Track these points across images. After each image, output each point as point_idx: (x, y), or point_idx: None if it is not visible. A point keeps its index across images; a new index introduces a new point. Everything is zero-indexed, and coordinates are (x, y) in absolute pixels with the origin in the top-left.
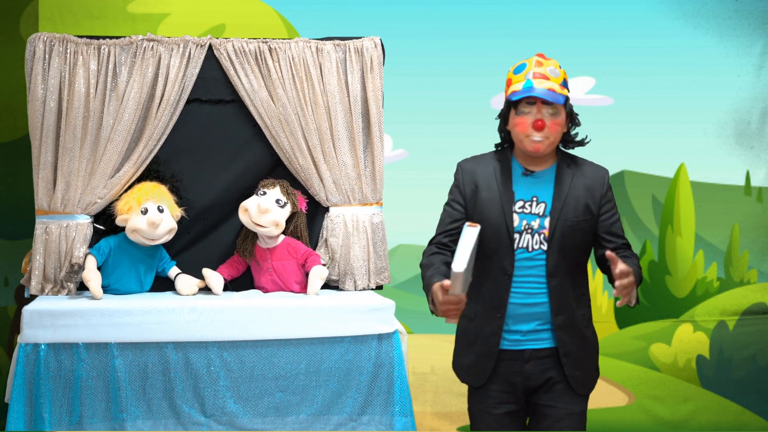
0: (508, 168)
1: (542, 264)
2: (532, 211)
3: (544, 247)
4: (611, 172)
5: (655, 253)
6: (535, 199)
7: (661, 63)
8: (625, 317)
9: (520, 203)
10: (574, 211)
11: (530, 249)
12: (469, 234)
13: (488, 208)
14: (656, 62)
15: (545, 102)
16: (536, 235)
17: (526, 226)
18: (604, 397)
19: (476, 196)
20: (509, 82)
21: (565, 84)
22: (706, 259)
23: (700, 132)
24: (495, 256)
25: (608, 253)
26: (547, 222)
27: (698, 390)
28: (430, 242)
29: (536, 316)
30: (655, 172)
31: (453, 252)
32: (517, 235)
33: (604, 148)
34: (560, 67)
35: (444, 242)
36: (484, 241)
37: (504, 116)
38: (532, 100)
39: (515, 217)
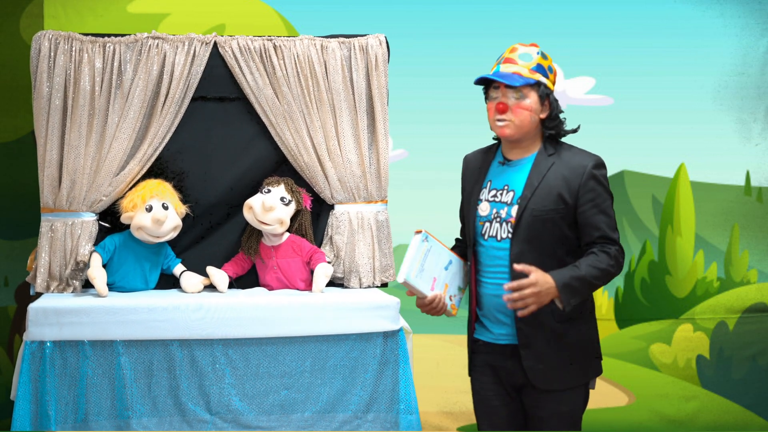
0: (490, 159)
1: (508, 253)
2: (502, 200)
3: (511, 235)
4: (611, 173)
5: (655, 253)
6: (506, 187)
7: (661, 63)
8: (625, 317)
9: (493, 192)
10: (543, 200)
11: (499, 238)
12: (413, 242)
13: (467, 198)
14: (656, 62)
15: (509, 86)
16: (504, 224)
17: (495, 215)
18: (604, 397)
19: (465, 189)
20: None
21: (539, 69)
22: (706, 259)
23: (700, 132)
24: (468, 246)
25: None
26: (513, 210)
27: (698, 390)
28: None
29: (503, 305)
30: (655, 172)
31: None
32: (487, 224)
33: (604, 148)
34: (539, 53)
35: (460, 236)
36: (466, 231)
37: None
38: (496, 85)
39: (486, 205)
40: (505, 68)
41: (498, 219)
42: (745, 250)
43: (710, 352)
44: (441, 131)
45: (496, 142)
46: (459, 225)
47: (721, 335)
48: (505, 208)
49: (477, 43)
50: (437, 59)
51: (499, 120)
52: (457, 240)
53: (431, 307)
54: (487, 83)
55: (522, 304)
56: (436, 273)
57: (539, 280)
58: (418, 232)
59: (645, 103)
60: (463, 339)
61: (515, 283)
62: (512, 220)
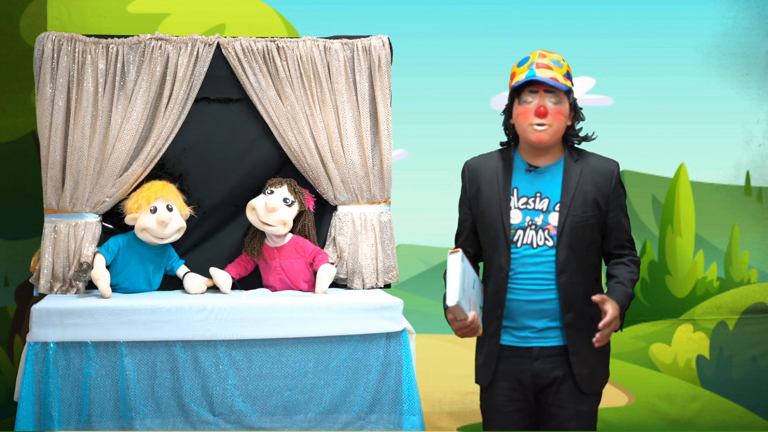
0: (510, 164)
1: (550, 260)
2: (536, 207)
3: (550, 243)
4: None
5: (655, 253)
6: (538, 194)
7: (661, 63)
8: (625, 317)
9: (524, 199)
10: (582, 206)
11: (535, 245)
12: (453, 262)
13: (488, 205)
14: (656, 62)
15: (548, 90)
16: (540, 231)
17: (530, 222)
18: (604, 397)
19: (479, 195)
20: (513, 75)
21: (568, 76)
22: (706, 259)
23: (700, 132)
24: (495, 254)
25: (594, 297)
26: (551, 218)
27: (699, 390)
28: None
29: (545, 313)
30: (655, 172)
31: (470, 256)
32: (520, 232)
33: (604, 148)
34: (564, 60)
35: (461, 246)
36: (486, 239)
37: (508, 110)
38: (534, 89)
39: (518, 213)
40: (542, 73)
41: (533, 226)
42: (745, 250)
43: (710, 352)
44: (441, 131)
45: (504, 147)
46: (456, 227)
47: (721, 335)
48: (541, 216)
49: (477, 43)
50: (438, 59)
51: (538, 124)
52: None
53: (470, 329)
54: (522, 87)
55: (605, 337)
56: (470, 293)
57: (615, 310)
58: (454, 252)
59: (645, 103)
60: (465, 339)
61: (604, 323)
62: (550, 227)
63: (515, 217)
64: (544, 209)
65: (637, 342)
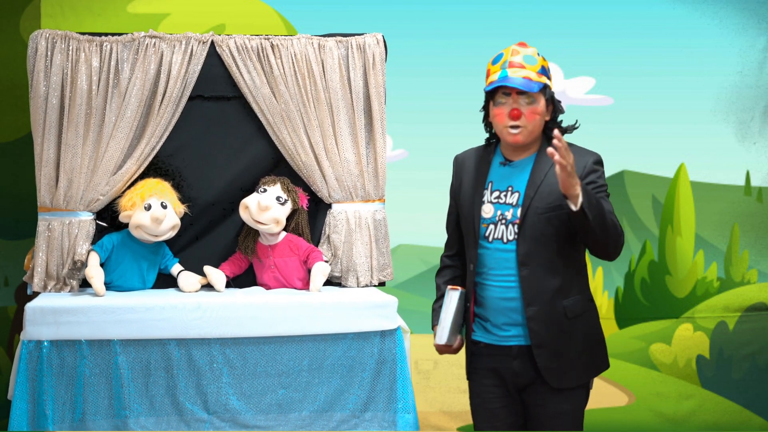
0: (489, 158)
1: (515, 254)
2: (506, 201)
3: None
4: (611, 172)
5: (655, 253)
6: (510, 188)
7: (661, 63)
8: (625, 317)
9: (497, 193)
10: (547, 198)
11: (505, 240)
12: (451, 298)
13: (465, 199)
14: (656, 62)
15: (520, 91)
16: (510, 226)
17: (500, 217)
18: (604, 397)
19: (461, 188)
20: (488, 73)
21: (543, 71)
22: (706, 259)
23: (700, 132)
24: (468, 246)
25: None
26: (519, 212)
27: (698, 390)
28: (444, 251)
29: (511, 308)
30: (655, 172)
31: (460, 259)
32: (492, 226)
33: (604, 148)
34: (538, 54)
35: (451, 251)
36: (464, 232)
37: (485, 108)
38: (507, 90)
39: (490, 207)
40: (514, 73)
41: (503, 221)
42: (745, 250)
43: (710, 351)
44: (441, 131)
45: (492, 141)
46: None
47: (721, 335)
48: (511, 210)
49: (477, 43)
50: (437, 59)
51: (512, 127)
52: (446, 260)
53: (450, 351)
54: (496, 88)
55: (563, 158)
56: (458, 326)
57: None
58: (455, 288)
59: (645, 103)
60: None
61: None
62: (518, 221)
63: (488, 211)
64: (514, 203)
65: (637, 342)
